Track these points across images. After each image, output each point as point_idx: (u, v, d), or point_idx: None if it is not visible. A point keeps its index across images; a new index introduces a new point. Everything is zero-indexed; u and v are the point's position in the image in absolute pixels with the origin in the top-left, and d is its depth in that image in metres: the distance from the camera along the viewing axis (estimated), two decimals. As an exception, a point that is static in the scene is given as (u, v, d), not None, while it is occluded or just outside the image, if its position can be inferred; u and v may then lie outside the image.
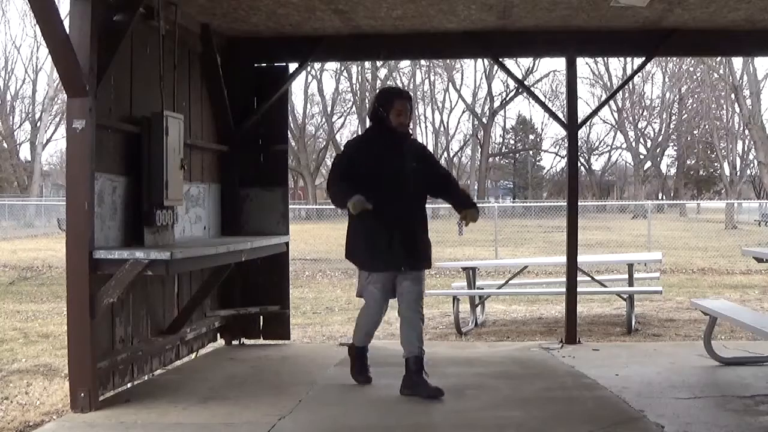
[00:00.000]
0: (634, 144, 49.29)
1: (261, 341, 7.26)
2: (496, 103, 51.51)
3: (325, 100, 49.69)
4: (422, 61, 45.22)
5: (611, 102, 42.98)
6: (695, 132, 45.38)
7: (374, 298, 5.27)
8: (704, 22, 6.52)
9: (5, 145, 43.76)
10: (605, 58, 45.11)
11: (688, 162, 51.18)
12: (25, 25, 65.86)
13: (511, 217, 30.28)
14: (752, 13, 6.24)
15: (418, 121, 54.48)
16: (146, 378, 5.79)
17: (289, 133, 16.47)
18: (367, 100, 44.45)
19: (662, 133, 48.46)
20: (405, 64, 46.42)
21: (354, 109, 49.10)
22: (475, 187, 52.17)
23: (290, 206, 7.65)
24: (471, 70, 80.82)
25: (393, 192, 5.10)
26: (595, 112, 9.75)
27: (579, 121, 7.43)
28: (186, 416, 4.75)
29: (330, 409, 4.96)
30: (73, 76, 4.71)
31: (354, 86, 48.30)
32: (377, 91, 5.64)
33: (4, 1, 54.86)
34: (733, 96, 34.16)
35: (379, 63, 41.84)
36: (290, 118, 31.11)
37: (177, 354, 6.27)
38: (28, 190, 40.12)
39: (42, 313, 10.49)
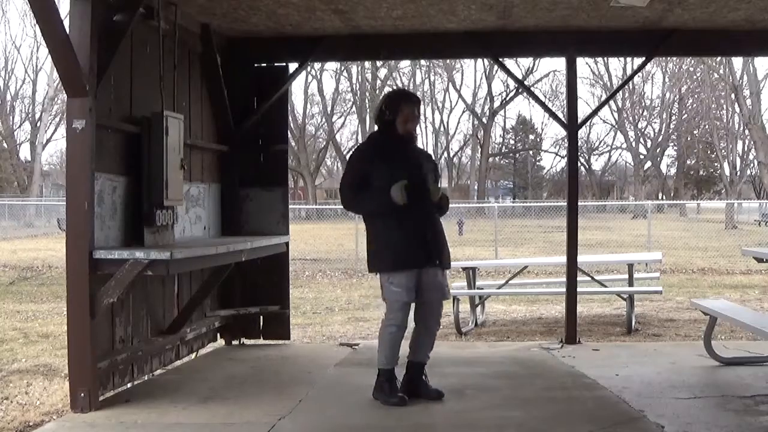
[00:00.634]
0: (634, 144, 49.33)
1: (261, 341, 7.26)
2: (496, 103, 51.59)
3: (325, 100, 49.80)
4: (422, 61, 45.26)
5: (611, 102, 43.03)
6: (695, 132, 45.41)
7: (401, 299, 4.96)
8: (704, 22, 6.52)
9: (5, 145, 43.79)
10: (605, 58, 45.21)
11: (688, 162, 51.20)
12: (25, 25, 66.03)
13: (511, 217, 30.28)
14: (752, 13, 6.24)
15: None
16: (146, 378, 5.78)
17: (289, 133, 16.47)
18: (367, 100, 44.54)
19: (662, 133, 48.50)
20: (405, 64, 46.48)
21: (354, 109, 49.14)
22: (475, 187, 52.22)
23: (290, 206, 7.66)
24: (471, 70, 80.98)
25: (416, 196, 4.94)
26: (595, 112, 9.76)
27: (579, 121, 7.44)
28: (186, 416, 4.75)
29: (330, 409, 4.96)
30: (73, 76, 4.71)
31: (354, 86, 48.35)
32: (386, 93, 5.37)
33: (4, 1, 54.94)
34: (733, 96, 34.20)
35: (379, 63, 41.84)
36: (290, 118, 31.11)
37: (177, 354, 6.27)
38: (28, 190, 40.15)
39: (42, 313, 10.50)
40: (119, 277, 4.84)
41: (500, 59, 7.72)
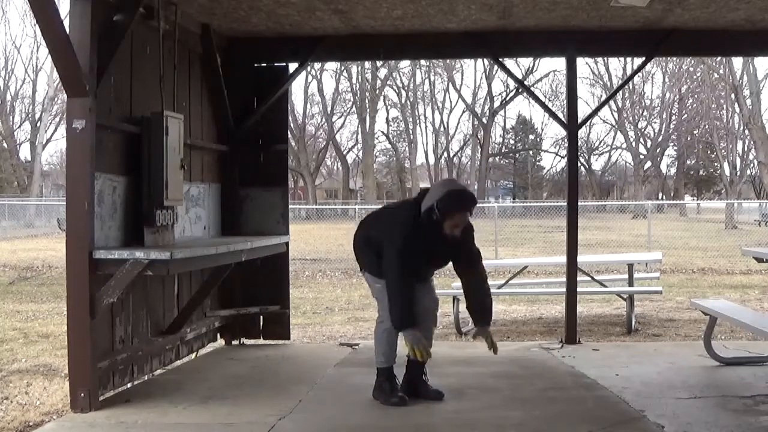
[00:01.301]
0: (634, 144, 49.31)
1: (261, 341, 7.26)
2: (496, 103, 51.58)
3: (325, 100, 49.82)
4: (422, 61, 45.24)
5: (611, 102, 43.02)
6: (695, 132, 45.38)
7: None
8: (704, 22, 6.52)
9: (5, 145, 43.79)
10: (605, 58, 45.15)
11: (688, 162, 51.20)
12: (25, 25, 65.98)
13: (511, 217, 30.28)
14: (752, 13, 6.24)
15: (418, 121, 54.54)
16: (146, 378, 5.78)
17: (289, 133, 16.47)
18: (367, 100, 44.49)
19: (662, 133, 48.48)
20: (405, 64, 46.46)
21: (354, 109, 49.12)
22: (475, 187, 52.20)
23: (290, 206, 7.66)
24: (471, 70, 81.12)
25: (426, 263, 5.07)
26: (595, 112, 9.76)
27: (579, 121, 7.43)
28: (186, 416, 4.75)
29: (330, 409, 4.96)
30: (73, 76, 4.71)
31: (354, 86, 48.31)
32: (445, 191, 4.81)
33: (4, 1, 54.90)
34: (733, 96, 34.17)
35: (379, 63, 41.83)
36: (290, 118, 31.10)
37: (177, 354, 6.27)
38: (28, 190, 40.12)
39: (42, 313, 10.49)
40: (119, 277, 4.84)
41: (500, 59, 7.72)
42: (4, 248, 21.52)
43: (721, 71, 33.51)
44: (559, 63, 55.36)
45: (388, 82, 48.73)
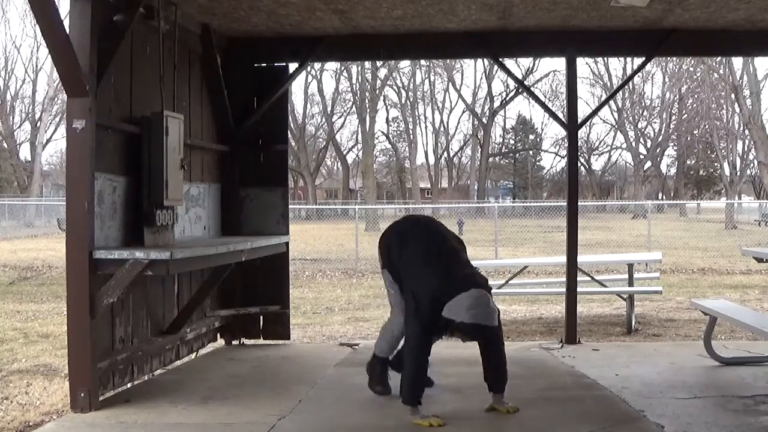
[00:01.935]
0: (634, 144, 49.32)
1: (261, 341, 7.27)
2: (496, 103, 51.63)
3: (325, 100, 49.81)
4: (422, 61, 45.24)
5: (611, 102, 43.05)
6: (695, 132, 45.40)
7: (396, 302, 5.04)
8: (704, 22, 6.52)
9: (5, 145, 43.81)
10: (605, 58, 45.16)
11: (688, 162, 51.20)
12: (25, 25, 66.02)
13: (511, 217, 30.30)
14: (752, 13, 6.24)
15: (418, 122, 54.55)
16: (146, 378, 5.79)
17: (289, 133, 16.47)
18: (367, 100, 44.48)
19: (662, 133, 48.49)
20: (405, 64, 46.44)
21: (354, 109, 49.09)
22: (475, 187, 52.24)
23: (290, 206, 7.66)
24: (471, 70, 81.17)
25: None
26: (595, 112, 9.74)
27: (579, 121, 7.43)
28: (186, 416, 4.75)
29: (330, 409, 4.96)
30: (73, 76, 4.71)
31: (354, 86, 48.25)
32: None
33: (4, 1, 54.90)
34: (733, 96, 34.17)
35: (379, 63, 41.82)
36: (290, 118, 31.12)
37: (177, 354, 6.27)
38: (28, 190, 40.14)
39: (42, 313, 10.50)
40: (119, 277, 4.84)
41: (500, 59, 7.72)
42: (4, 248, 21.53)
43: (721, 71, 33.51)
44: (559, 63, 55.43)
45: (388, 82, 48.65)
